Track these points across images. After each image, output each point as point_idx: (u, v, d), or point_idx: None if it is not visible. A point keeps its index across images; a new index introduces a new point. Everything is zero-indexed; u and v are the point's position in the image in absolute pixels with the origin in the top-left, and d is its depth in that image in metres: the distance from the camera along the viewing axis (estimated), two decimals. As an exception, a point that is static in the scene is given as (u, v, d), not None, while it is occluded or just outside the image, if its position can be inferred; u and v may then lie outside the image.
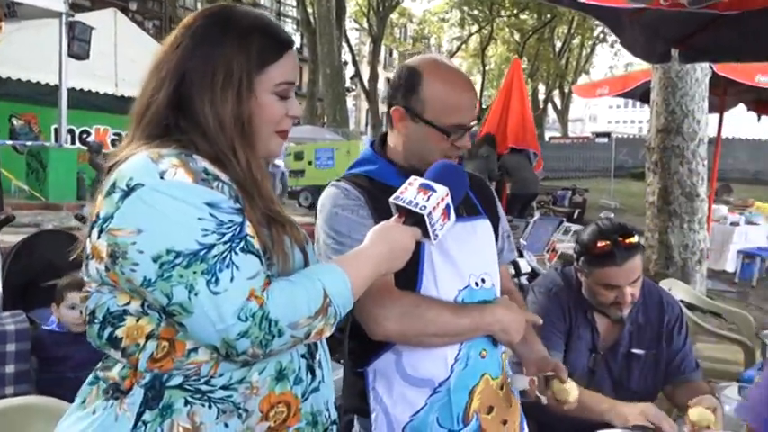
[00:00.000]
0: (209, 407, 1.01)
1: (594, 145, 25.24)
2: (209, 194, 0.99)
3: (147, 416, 1.00)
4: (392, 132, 1.56)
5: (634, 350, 2.01)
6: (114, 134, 12.91)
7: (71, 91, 10.08)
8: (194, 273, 0.94)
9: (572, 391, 1.51)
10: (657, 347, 2.02)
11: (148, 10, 30.25)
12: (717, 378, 2.68)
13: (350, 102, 31.05)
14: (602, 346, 2.02)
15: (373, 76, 29.17)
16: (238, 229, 0.99)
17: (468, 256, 1.48)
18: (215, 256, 0.95)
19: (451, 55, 33.94)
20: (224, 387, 1.02)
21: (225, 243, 0.97)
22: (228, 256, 0.96)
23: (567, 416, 1.85)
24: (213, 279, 0.94)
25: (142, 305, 1.01)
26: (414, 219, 1.20)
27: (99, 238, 0.99)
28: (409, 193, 1.21)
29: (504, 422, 1.51)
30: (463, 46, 36.49)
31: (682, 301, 3.81)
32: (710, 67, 5.52)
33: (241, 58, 1.08)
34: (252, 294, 0.96)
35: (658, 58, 3.81)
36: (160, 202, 0.96)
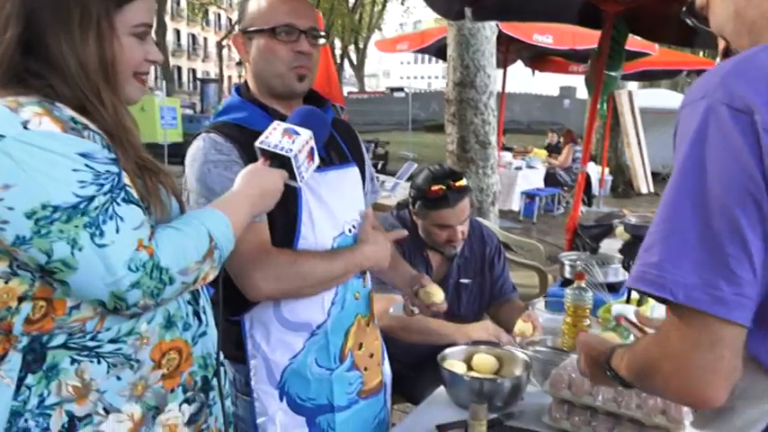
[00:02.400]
0: (99, 362, 0.99)
1: (391, 99, 26.36)
2: (82, 144, 0.94)
3: (30, 380, 0.95)
4: (246, 71, 1.54)
5: (462, 280, 2.25)
6: None
7: None
8: (76, 227, 0.90)
9: (437, 293, 1.65)
10: (481, 276, 2.28)
11: None
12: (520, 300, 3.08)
13: (137, 54, 28.56)
14: (434, 279, 2.23)
15: (161, 27, 27.20)
16: (117, 179, 0.96)
17: (341, 204, 1.53)
18: (96, 208, 0.92)
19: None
20: (112, 341, 1.00)
21: (105, 194, 0.93)
22: (111, 207, 0.93)
23: (415, 344, 2.05)
24: (97, 232, 0.91)
25: (10, 266, 0.94)
26: (280, 161, 1.23)
27: None
28: (274, 137, 1.24)
29: (371, 355, 1.63)
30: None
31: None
32: (497, 26, 6.07)
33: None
34: (140, 244, 0.94)
35: (455, 16, 4.10)
36: (28, 155, 0.89)
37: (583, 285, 1.99)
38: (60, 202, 0.89)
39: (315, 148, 1.29)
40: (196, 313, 1.13)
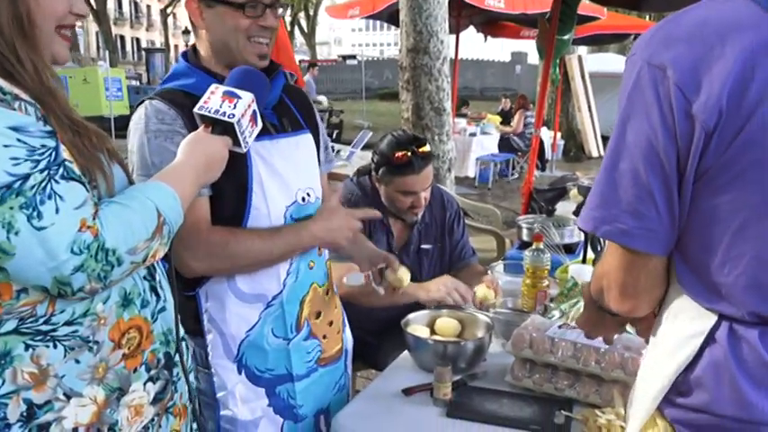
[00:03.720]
0: (54, 346, 0.95)
1: (344, 67, 26.03)
2: (13, 117, 0.87)
3: None
4: (197, 38, 1.48)
5: (423, 245, 2.26)
6: None
7: None
8: (11, 208, 0.83)
9: (405, 277, 1.66)
10: (442, 241, 2.30)
11: None
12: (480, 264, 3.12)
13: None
14: (396, 247, 2.23)
15: (102, -6, 26.07)
16: (54, 155, 0.89)
17: (294, 172, 1.50)
18: (32, 187, 0.85)
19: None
20: (67, 323, 0.96)
21: (42, 171, 0.86)
22: (48, 186, 0.87)
23: (373, 310, 2.05)
24: (35, 213, 0.84)
25: None
26: (222, 127, 1.19)
27: None
28: (213, 101, 1.19)
29: (331, 323, 1.62)
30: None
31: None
32: (449, -10, 6.03)
33: None
34: (84, 225, 0.88)
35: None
36: None
37: (540, 247, 2.03)
38: None
39: (257, 111, 1.25)
40: (153, 289, 1.10)
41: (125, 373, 1.03)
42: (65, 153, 0.92)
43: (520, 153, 9.32)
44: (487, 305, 1.95)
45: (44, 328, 0.94)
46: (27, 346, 0.93)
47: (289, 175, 1.48)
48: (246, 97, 1.20)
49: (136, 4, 50.28)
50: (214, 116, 1.17)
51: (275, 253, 1.43)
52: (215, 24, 1.42)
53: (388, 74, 25.71)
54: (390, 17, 7.40)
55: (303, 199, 1.51)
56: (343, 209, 1.55)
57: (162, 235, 1.00)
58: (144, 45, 45.97)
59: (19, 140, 0.86)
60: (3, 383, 0.92)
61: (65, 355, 0.96)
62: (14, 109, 0.88)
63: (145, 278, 1.08)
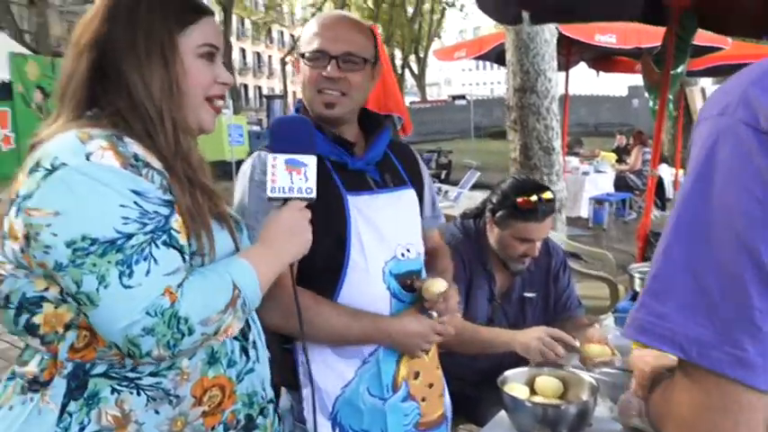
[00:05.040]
0: (138, 394, 0.98)
1: (453, 107, 26.22)
2: (137, 182, 0.94)
3: (73, 406, 0.95)
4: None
5: (526, 294, 2.16)
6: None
7: None
8: (108, 262, 0.89)
9: (434, 283, 1.47)
10: (546, 289, 2.19)
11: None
12: (589, 314, 2.94)
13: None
14: (498, 294, 2.15)
15: (227, 47, 28.09)
16: (163, 221, 0.95)
17: (393, 227, 1.48)
18: (133, 247, 0.90)
19: (304, 22, 33.41)
20: (152, 374, 0.99)
21: (146, 234, 0.92)
22: (148, 249, 0.92)
23: (474, 360, 1.97)
24: (127, 271, 0.89)
25: (61, 292, 0.95)
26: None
27: (17, 216, 0.93)
28: (281, 178, 1.13)
29: (431, 385, 1.55)
30: (317, 13, 35.89)
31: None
32: (556, 28, 5.91)
33: (159, 20, 1.03)
34: (167, 291, 0.91)
35: (511, 20, 4.00)
36: (82, 185, 0.90)
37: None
38: (100, 235, 0.89)
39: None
40: (244, 349, 1.10)
41: (202, 429, 1.04)
42: (175, 223, 0.97)
43: (638, 192, 8.84)
44: (595, 364, 1.80)
45: (130, 375, 0.98)
46: (113, 390, 0.97)
47: (388, 229, 1.47)
48: (311, 162, 1.15)
49: (258, 54, 53.72)
50: (294, 196, 1.13)
51: (349, 337, 1.41)
52: (302, 78, 1.49)
53: (498, 112, 25.53)
54: (498, 57, 7.35)
55: (403, 254, 1.49)
56: (426, 320, 1.46)
57: (236, 309, 1.00)
58: (265, 92, 48.87)
59: (135, 203, 0.92)
60: (89, 422, 0.96)
61: (146, 404, 0.98)
62: (141, 175, 0.95)
63: (236, 338, 1.09)
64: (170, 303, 0.91)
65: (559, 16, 4.52)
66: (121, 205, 0.91)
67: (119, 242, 0.90)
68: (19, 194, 0.93)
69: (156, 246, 0.92)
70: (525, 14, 3.73)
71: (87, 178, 0.91)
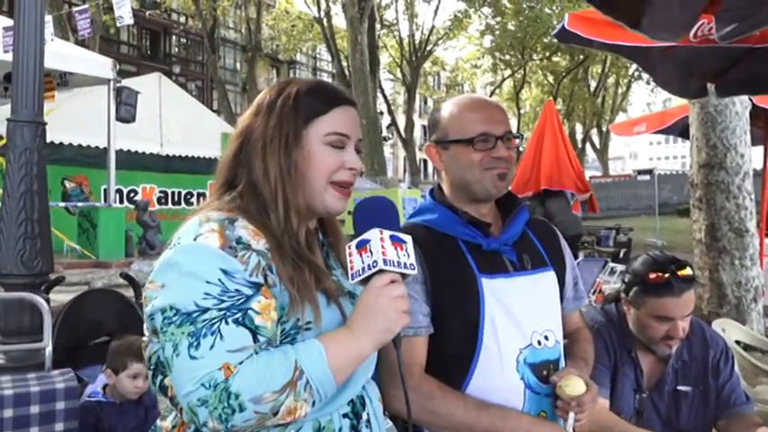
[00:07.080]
0: None
1: (637, 182, 24.81)
2: (228, 262, 1.00)
3: None
4: (440, 178, 1.57)
5: (680, 387, 1.93)
6: (160, 192, 13.32)
7: (119, 152, 10.56)
8: (182, 333, 0.96)
9: (573, 383, 1.36)
10: (705, 383, 1.94)
11: (191, 72, 31.59)
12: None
13: (387, 150, 31.47)
14: (647, 386, 1.95)
15: (409, 125, 29.56)
16: (242, 301, 0.99)
17: (530, 312, 1.43)
18: (204, 320, 0.96)
19: (486, 100, 34.06)
20: None
21: (220, 310, 0.97)
22: (218, 324, 0.96)
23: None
24: (195, 343, 0.95)
25: None
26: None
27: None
28: (391, 252, 1.09)
29: None
30: (497, 91, 36.71)
31: (738, 342, 3.66)
32: (750, 100, 5.43)
33: (290, 116, 1.13)
34: (225, 366, 0.94)
35: (694, 94, 3.77)
36: (183, 261, 1.00)
37: None
38: (182, 307, 0.97)
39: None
40: (354, 428, 1.10)
41: None
42: (256, 304, 0.99)
43: None
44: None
45: None
46: None
47: (524, 315, 1.41)
48: (408, 240, 1.12)
49: (438, 130, 55.62)
50: (403, 270, 1.08)
51: (475, 429, 1.33)
52: (452, 164, 1.50)
53: (688, 188, 23.72)
54: (682, 131, 6.90)
55: (539, 342, 1.42)
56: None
57: (296, 391, 0.96)
58: (443, 167, 50.12)
59: (220, 281, 0.99)
60: None
61: None
62: (236, 257, 1.01)
63: (346, 416, 1.09)
64: (224, 378, 0.93)
65: (749, 87, 4.16)
66: (207, 281, 0.98)
67: (194, 315, 0.96)
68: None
69: (227, 322, 0.96)
70: (711, 87, 3.51)
71: (188, 255, 1.00)
